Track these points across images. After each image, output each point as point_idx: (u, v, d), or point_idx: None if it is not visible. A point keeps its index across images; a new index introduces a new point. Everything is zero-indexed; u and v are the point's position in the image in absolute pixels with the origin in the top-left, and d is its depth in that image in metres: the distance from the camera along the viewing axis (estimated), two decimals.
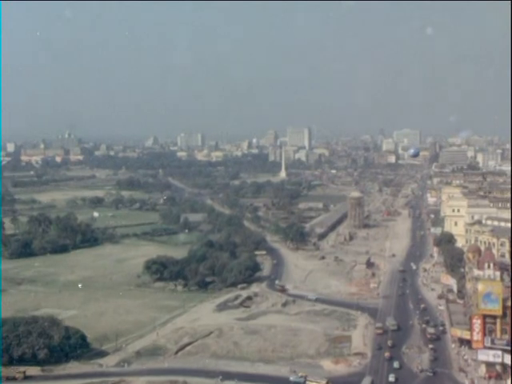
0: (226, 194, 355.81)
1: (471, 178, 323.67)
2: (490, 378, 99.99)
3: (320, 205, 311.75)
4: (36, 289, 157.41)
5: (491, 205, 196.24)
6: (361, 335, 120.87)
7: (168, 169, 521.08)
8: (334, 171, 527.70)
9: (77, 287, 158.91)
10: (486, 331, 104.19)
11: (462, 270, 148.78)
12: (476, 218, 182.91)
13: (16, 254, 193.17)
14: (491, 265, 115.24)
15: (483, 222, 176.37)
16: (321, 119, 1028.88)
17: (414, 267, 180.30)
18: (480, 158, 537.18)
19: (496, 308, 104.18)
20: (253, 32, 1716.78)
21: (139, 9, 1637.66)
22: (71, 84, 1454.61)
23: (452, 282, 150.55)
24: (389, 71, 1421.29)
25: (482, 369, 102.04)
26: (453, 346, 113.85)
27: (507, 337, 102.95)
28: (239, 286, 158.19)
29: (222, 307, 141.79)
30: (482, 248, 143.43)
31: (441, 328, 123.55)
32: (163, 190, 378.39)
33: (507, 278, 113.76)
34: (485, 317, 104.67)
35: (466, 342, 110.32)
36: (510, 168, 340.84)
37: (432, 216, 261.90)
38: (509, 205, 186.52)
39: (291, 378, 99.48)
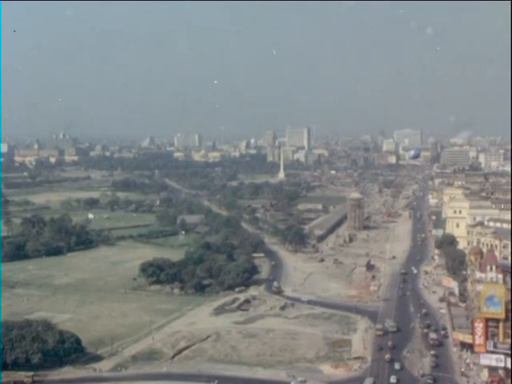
0: (223, 195, 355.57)
1: (473, 178, 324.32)
2: (492, 382, 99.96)
3: (319, 206, 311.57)
4: (30, 292, 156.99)
5: (493, 206, 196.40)
6: (361, 339, 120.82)
7: (164, 169, 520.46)
8: (333, 172, 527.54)
9: (71, 290, 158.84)
10: (489, 335, 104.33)
11: (464, 272, 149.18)
12: (478, 219, 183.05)
13: (9, 256, 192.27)
14: (493, 267, 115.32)
15: (485, 223, 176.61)
16: (320, 119, 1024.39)
17: (415, 270, 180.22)
18: (482, 158, 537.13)
19: (498, 311, 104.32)
20: (251, 31, 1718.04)
21: (136, 8, 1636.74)
22: (66, 83, 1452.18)
23: (454, 284, 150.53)
24: (389, 71, 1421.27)
25: (485, 373, 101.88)
26: (454, 349, 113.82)
27: (510, 341, 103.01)
28: (237, 289, 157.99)
29: (219, 310, 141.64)
30: (484, 250, 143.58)
31: (442, 332, 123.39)
32: (159, 191, 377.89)
33: (510, 281, 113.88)
34: (487, 320, 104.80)
35: (467, 346, 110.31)
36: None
37: (433, 217, 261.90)
38: None
39: (292, 383, 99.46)
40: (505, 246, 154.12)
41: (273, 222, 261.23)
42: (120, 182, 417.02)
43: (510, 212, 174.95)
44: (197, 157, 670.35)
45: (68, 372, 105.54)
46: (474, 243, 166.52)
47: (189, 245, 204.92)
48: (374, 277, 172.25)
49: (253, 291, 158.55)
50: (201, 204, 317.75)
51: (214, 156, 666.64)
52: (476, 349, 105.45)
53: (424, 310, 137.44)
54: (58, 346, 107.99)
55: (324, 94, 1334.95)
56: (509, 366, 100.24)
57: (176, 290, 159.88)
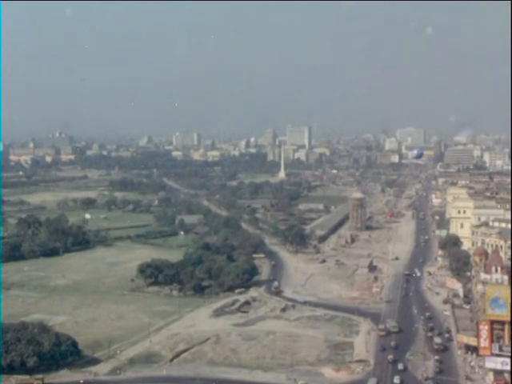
0: (222, 194, 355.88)
1: (477, 178, 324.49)
2: None
3: (320, 206, 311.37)
4: (25, 294, 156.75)
5: (498, 206, 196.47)
6: (363, 341, 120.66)
7: (163, 169, 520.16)
8: (334, 171, 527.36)
9: (68, 292, 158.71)
10: (494, 338, 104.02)
11: (469, 273, 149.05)
12: (483, 219, 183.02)
13: (4, 257, 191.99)
14: (499, 268, 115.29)
15: (490, 223, 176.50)
16: (321, 117, 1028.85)
17: (418, 271, 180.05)
18: (487, 157, 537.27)
19: (504, 313, 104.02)
20: (251, 30, 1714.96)
21: (134, 7, 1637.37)
22: (63, 81, 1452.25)
23: (458, 286, 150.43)
24: (392, 69, 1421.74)
25: (490, 377, 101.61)
26: (459, 352, 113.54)
27: None
28: (237, 291, 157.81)
29: (218, 312, 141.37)
30: (489, 251, 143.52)
31: (446, 335, 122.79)
32: (158, 190, 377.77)
33: None
34: (492, 322, 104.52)
35: (472, 349, 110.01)
36: None
37: (437, 218, 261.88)
38: None
39: None
40: (510, 247, 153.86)
41: (273, 222, 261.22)
42: (117, 182, 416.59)
43: None
44: (196, 156, 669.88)
45: (64, 375, 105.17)
46: (479, 244, 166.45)
47: (188, 245, 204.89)
48: (376, 278, 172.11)
49: (253, 293, 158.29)
50: (200, 204, 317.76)
51: (213, 155, 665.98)
52: (481, 352, 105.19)
53: (427, 314, 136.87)
54: (54, 348, 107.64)
55: (325, 92, 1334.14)
56: None
57: (175, 292, 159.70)
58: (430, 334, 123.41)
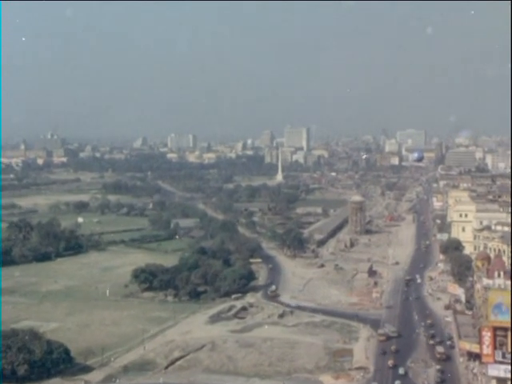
0: (219, 198, 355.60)
1: (480, 180, 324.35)
2: None
3: (319, 209, 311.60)
4: (16, 300, 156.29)
5: (501, 209, 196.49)
6: (363, 348, 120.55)
7: (157, 171, 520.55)
8: (333, 174, 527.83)
9: (60, 298, 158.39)
10: (497, 344, 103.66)
11: (471, 278, 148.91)
12: (485, 223, 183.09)
13: None
14: (501, 273, 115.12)
15: (493, 227, 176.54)
16: (320, 119, 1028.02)
17: (419, 276, 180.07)
18: (489, 159, 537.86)
19: (507, 320, 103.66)
20: (249, 30, 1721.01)
21: (131, 8, 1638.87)
22: (55, 82, 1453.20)
23: (460, 291, 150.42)
24: (391, 69, 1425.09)
25: None
26: (461, 360, 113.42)
27: None
28: (233, 296, 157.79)
29: (215, 319, 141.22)
30: (492, 255, 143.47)
31: (448, 343, 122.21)
32: (152, 193, 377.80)
33: None
34: (495, 329, 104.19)
35: (475, 356, 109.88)
36: None
37: (438, 221, 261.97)
38: None
39: None
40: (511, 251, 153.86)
41: (271, 226, 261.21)
42: (111, 185, 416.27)
43: None
44: (191, 158, 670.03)
45: None
46: (481, 248, 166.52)
47: (183, 250, 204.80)
48: (376, 283, 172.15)
49: (250, 298, 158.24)
50: (195, 207, 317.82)
51: (209, 157, 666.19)
52: (484, 359, 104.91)
53: (429, 321, 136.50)
54: (45, 356, 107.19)
55: (324, 93, 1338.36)
56: None
57: (170, 298, 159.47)
58: (431, 341, 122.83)
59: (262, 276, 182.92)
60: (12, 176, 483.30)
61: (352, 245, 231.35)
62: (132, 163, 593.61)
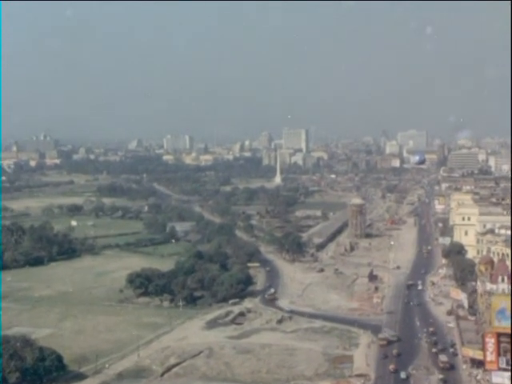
0: (216, 200, 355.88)
1: (483, 183, 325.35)
2: None
3: (318, 213, 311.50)
4: (7, 305, 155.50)
5: (505, 212, 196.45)
6: (363, 354, 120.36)
7: (153, 173, 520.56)
8: (333, 176, 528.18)
9: (53, 303, 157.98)
10: (501, 351, 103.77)
11: (474, 283, 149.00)
12: (488, 226, 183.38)
13: None
14: (505, 278, 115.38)
15: (496, 231, 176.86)
16: (319, 120, 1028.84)
17: (421, 281, 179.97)
18: (492, 161, 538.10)
19: (510, 325, 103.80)
20: (247, 30, 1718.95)
21: (129, 8, 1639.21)
22: (48, 82, 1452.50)
23: (462, 296, 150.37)
24: (392, 69, 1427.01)
25: None
26: (464, 366, 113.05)
27: None
28: (231, 301, 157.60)
29: (211, 324, 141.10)
30: (495, 259, 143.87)
31: (451, 350, 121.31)
32: (148, 196, 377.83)
33: None
34: (499, 335, 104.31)
35: (478, 363, 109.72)
36: None
37: (440, 225, 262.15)
38: None
39: None
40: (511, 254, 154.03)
41: (269, 229, 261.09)
42: (105, 187, 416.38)
43: None
44: (188, 160, 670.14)
45: None
46: (484, 252, 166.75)
47: (179, 254, 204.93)
48: (376, 288, 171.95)
49: (248, 303, 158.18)
50: (192, 210, 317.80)
51: (205, 159, 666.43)
52: (487, 366, 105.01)
53: (431, 328, 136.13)
54: (37, 363, 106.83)
55: (323, 93, 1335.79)
56: None
57: (165, 303, 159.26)
58: (434, 349, 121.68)
59: (260, 281, 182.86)
60: (4, 178, 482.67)
61: (352, 249, 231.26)
62: (127, 165, 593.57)
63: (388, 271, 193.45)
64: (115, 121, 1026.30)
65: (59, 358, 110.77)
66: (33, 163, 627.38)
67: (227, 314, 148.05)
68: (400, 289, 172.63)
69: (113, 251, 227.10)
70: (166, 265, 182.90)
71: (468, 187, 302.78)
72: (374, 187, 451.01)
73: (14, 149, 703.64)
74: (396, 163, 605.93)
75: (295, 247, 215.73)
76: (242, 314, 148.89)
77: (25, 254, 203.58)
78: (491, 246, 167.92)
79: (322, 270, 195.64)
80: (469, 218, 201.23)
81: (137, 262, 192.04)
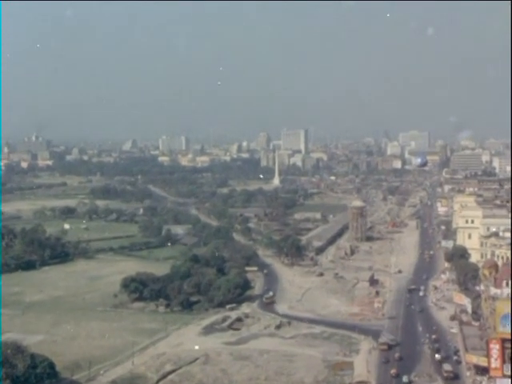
0: (213, 203, 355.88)
1: (486, 185, 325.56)
2: None
3: (318, 215, 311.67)
4: None
5: (509, 215, 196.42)
6: (364, 361, 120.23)
7: (148, 175, 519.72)
8: (333, 178, 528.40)
9: (45, 309, 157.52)
10: (506, 357, 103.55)
11: (477, 288, 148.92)
12: (492, 229, 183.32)
13: None
14: (510, 282, 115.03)
15: (500, 234, 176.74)
16: (319, 120, 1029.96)
17: (423, 285, 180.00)
18: (496, 162, 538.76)
19: None
20: (245, 30, 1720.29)
21: (128, 8, 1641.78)
22: (39, 81, 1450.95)
23: (466, 301, 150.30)
24: (393, 69, 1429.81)
25: None
26: (468, 373, 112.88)
27: None
28: (228, 307, 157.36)
29: (208, 330, 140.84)
30: (500, 263, 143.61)
31: (455, 357, 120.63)
32: (143, 198, 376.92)
33: None
34: (503, 341, 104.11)
35: (482, 370, 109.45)
36: None
37: (443, 228, 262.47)
38: None
39: None
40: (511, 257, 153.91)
41: (267, 232, 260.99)
42: (99, 189, 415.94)
43: None
44: (184, 161, 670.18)
45: None
46: (488, 256, 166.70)
47: (175, 258, 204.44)
48: (378, 293, 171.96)
49: (245, 308, 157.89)
50: (188, 213, 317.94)
51: (202, 160, 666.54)
52: (492, 373, 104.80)
53: (434, 334, 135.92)
54: (29, 371, 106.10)
55: (323, 93, 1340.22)
56: None
57: (161, 308, 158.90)
58: (437, 356, 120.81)
59: (257, 285, 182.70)
60: None
61: (352, 252, 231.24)
62: (121, 167, 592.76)
63: (389, 275, 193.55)
64: (109, 121, 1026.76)
65: (51, 365, 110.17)
66: (24, 164, 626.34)
67: (224, 320, 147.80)
68: (402, 293, 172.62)
69: (107, 255, 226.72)
70: (161, 269, 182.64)
71: (471, 189, 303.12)
72: (374, 189, 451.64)
73: (5, 150, 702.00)
74: (397, 164, 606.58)
75: (294, 251, 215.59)
76: (239, 320, 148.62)
77: (16, 258, 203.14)
78: (495, 249, 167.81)
79: (321, 274, 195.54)
80: (472, 221, 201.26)
81: (131, 266, 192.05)
